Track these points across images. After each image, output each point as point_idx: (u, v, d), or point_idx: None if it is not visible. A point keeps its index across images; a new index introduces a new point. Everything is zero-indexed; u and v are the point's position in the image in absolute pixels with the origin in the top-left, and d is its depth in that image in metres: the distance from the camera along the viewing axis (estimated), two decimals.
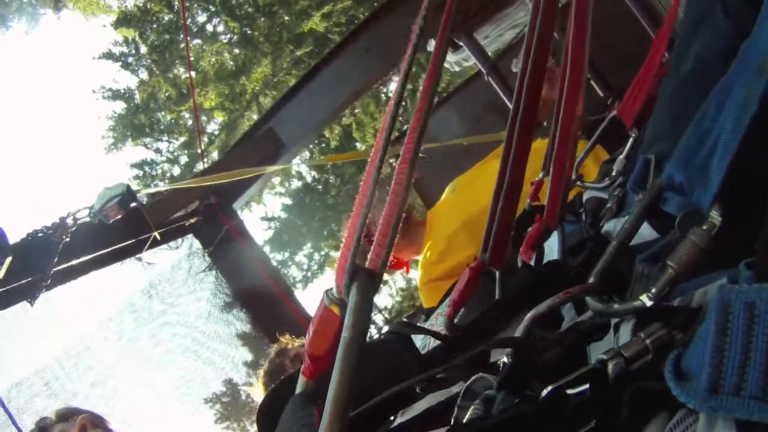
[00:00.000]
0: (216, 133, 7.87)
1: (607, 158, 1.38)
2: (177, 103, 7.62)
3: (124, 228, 3.00)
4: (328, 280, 8.79)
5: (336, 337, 0.56)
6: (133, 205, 2.69)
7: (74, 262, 2.91)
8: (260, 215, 8.43)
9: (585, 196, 1.25)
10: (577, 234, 1.06)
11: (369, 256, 0.54)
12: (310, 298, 9.59)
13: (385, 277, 2.56)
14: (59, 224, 2.62)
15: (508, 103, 2.99)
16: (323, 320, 0.57)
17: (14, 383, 2.92)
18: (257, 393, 2.21)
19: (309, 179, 8.18)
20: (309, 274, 8.49)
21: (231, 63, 7.58)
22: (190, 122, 7.89)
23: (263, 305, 3.29)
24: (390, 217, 0.55)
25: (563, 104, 0.99)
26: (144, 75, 8.08)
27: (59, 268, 2.68)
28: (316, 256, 8.58)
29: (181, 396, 3.48)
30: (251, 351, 3.44)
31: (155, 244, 3.20)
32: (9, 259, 2.35)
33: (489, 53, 3.75)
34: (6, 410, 2.73)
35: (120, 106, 8.04)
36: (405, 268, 2.48)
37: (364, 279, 0.52)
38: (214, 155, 7.64)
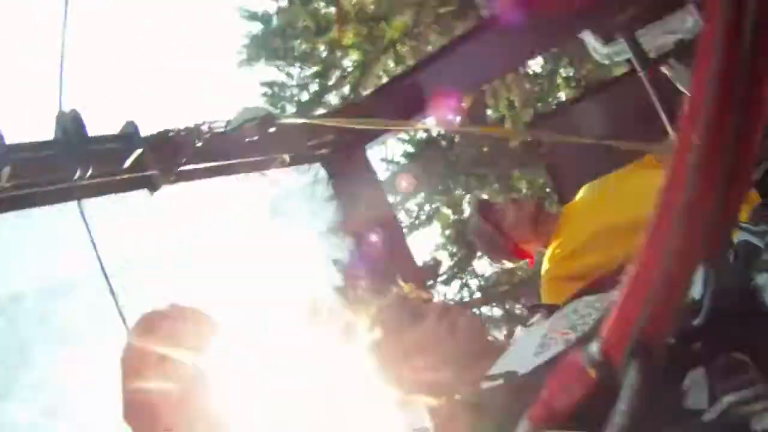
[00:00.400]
0: (349, 70, 8.01)
1: (762, 202, 1.32)
2: (315, 34, 7.80)
3: (255, 144, 3.11)
4: (434, 231, 8.84)
5: (582, 398, 0.54)
6: (271, 130, 2.79)
7: (202, 165, 3.04)
8: (381, 156, 8.41)
9: (736, 238, 1.20)
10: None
11: (647, 324, 0.48)
12: (413, 245, 9.82)
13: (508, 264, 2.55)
14: (193, 128, 2.75)
15: (660, 111, 2.90)
16: (574, 377, 0.54)
17: (123, 261, 3.13)
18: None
19: (434, 132, 8.22)
20: (416, 222, 8.65)
21: (372, 6, 7.64)
22: (324, 54, 8.05)
23: (373, 241, 3.40)
24: (680, 279, 0.48)
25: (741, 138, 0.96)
26: (284, 2, 8.22)
27: (186, 168, 2.78)
28: (426, 207, 8.71)
29: (270, 300, 3.66)
30: (344, 279, 3.60)
31: (283, 164, 3.35)
32: (140, 151, 2.40)
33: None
34: (109, 285, 2.90)
35: (257, 27, 8.25)
36: (530, 261, 2.50)
37: (646, 359, 0.48)
38: (345, 90, 7.81)
